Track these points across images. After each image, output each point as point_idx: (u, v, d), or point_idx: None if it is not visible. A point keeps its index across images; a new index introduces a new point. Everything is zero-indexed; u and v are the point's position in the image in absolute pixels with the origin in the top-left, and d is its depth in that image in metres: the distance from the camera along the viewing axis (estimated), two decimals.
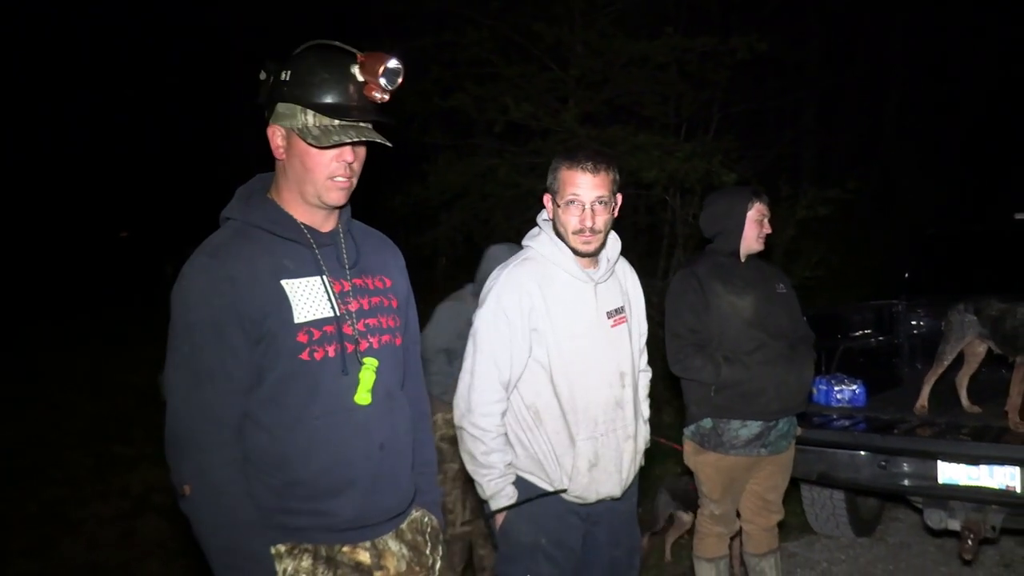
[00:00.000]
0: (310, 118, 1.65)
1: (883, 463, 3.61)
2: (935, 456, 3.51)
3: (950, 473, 3.48)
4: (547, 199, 2.31)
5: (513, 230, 7.46)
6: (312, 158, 1.67)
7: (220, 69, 16.04)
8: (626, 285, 2.45)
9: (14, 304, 12.53)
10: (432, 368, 3.45)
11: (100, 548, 4.88)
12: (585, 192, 2.22)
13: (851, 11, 13.72)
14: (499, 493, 2.19)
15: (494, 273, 2.30)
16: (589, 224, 2.23)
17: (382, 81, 1.65)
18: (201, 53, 16.69)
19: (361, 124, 1.67)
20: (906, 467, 3.59)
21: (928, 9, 14.15)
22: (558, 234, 2.29)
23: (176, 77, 17.21)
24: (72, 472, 6.05)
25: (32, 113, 17.03)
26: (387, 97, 1.69)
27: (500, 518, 2.25)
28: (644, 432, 2.45)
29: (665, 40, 7.06)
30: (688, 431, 3.26)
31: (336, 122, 1.65)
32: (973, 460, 3.42)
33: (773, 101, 10.87)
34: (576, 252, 2.27)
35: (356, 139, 1.65)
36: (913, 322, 5.17)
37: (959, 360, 4.09)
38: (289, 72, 1.67)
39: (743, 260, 3.24)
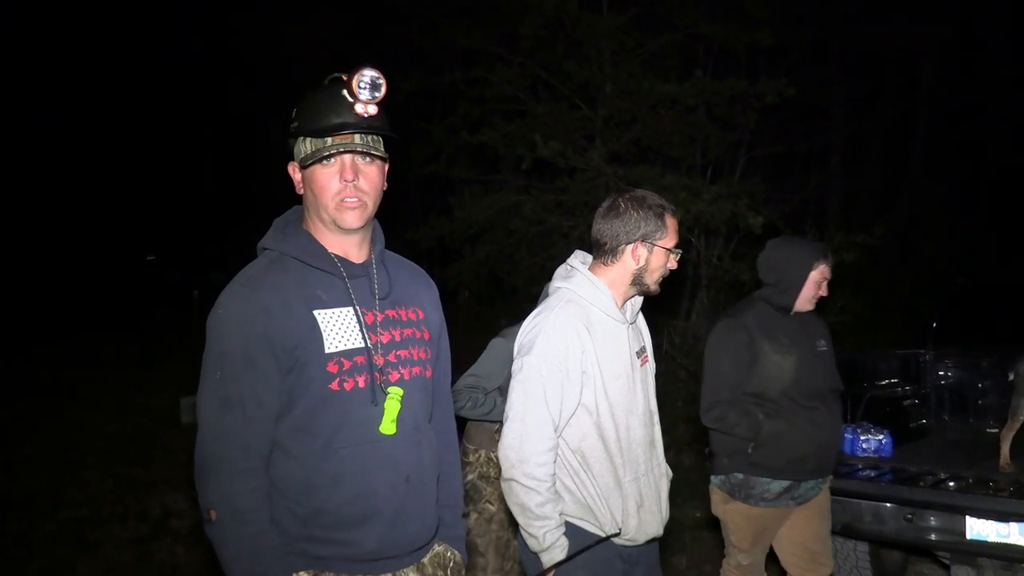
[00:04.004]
0: (308, 145, 1.73)
1: (909, 516, 3.53)
2: (964, 511, 3.42)
3: (979, 529, 3.39)
4: (640, 247, 2.25)
5: (537, 266, 7.50)
6: (317, 181, 1.72)
7: (251, 98, 16.36)
8: (640, 326, 2.45)
9: (40, 324, 12.71)
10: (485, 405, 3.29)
11: (116, 570, 4.88)
12: None
13: (877, 56, 13.76)
14: (555, 544, 2.13)
15: (534, 319, 2.26)
16: (673, 268, 2.32)
17: (362, 93, 1.69)
18: (232, 86, 17.02)
19: (357, 141, 1.71)
20: (933, 521, 3.49)
21: (954, 54, 14.17)
22: (636, 280, 2.28)
23: (207, 102, 17.55)
24: (91, 493, 6.07)
25: (63, 135, 17.39)
26: (374, 109, 1.72)
27: (551, 573, 2.18)
28: (669, 470, 2.45)
29: (694, 83, 7.13)
30: (716, 480, 3.19)
31: (328, 141, 1.70)
32: (1003, 516, 3.33)
33: (799, 144, 10.88)
34: (647, 294, 2.33)
35: (334, 150, 1.69)
36: (941, 372, 5.09)
37: (1002, 412, 4.00)
38: (296, 111, 1.76)
39: (791, 314, 3.13)
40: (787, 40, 9.02)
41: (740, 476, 3.09)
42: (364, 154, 1.73)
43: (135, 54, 17.42)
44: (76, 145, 17.56)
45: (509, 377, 3.34)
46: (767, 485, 3.06)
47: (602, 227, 2.27)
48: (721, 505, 3.19)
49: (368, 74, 1.70)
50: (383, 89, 1.71)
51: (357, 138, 1.71)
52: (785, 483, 3.06)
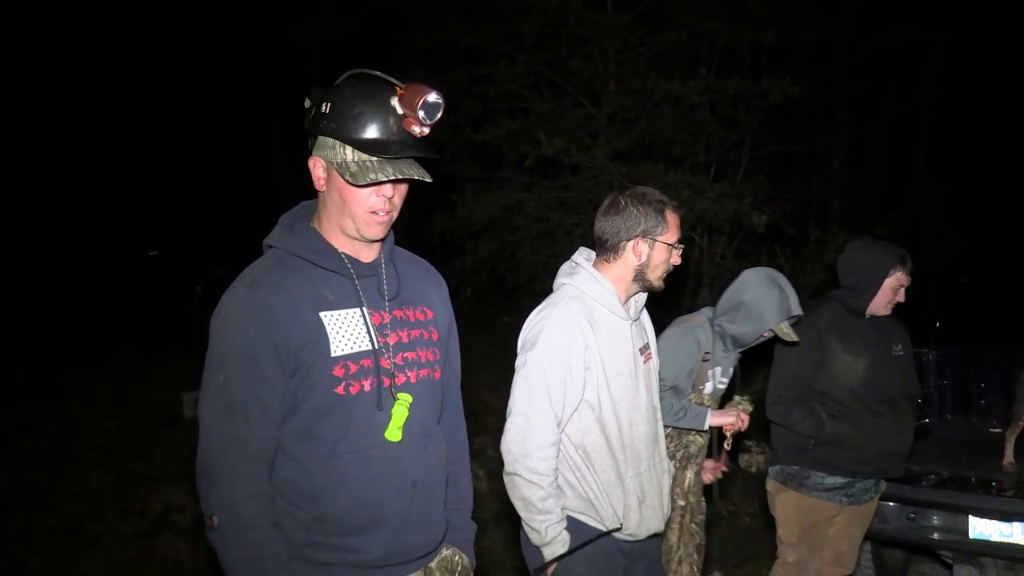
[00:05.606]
0: (348, 153, 1.62)
1: (912, 515, 3.55)
2: (966, 510, 3.44)
3: (982, 528, 3.41)
4: (640, 242, 2.26)
5: (540, 264, 7.50)
6: (350, 193, 1.65)
7: (253, 95, 16.34)
8: (644, 323, 2.46)
9: (41, 320, 12.71)
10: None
11: (118, 566, 4.88)
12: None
13: (880, 56, 13.76)
14: (556, 539, 2.15)
15: (538, 315, 2.27)
16: (676, 264, 2.34)
17: (420, 115, 1.61)
18: (234, 78, 16.99)
19: (400, 158, 1.63)
20: (936, 520, 3.51)
21: (956, 54, 14.17)
22: (639, 276, 2.29)
23: (209, 98, 17.55)
24: (93, 489, 6.06)
25: (64, 131, 17.40)
26: (427, 131, 1.64)
27: (552, 567, 2.20)
28: (671, 467, 2.45)
29: (698, 81, 7.12)
30: (772, 470, 3.20)
31: (374, 158, 1.62)
32: (1006, 516, 3.35)
33: (802, 144, 10.87)
34: (650, 289, 2.34)
35: (392, 176, 1.61)
36: (943, 372, 5.09)
37: (1005, 412, 4.00)
38: (329, 104, 1.64)
39: (867, 318, 3.12)
40: (790, 40, 9.00)
41: (796, 467, 3.10)
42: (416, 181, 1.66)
43: (135, 54, 17.40)
44: (77, 143, 17.55)
45: (687, 375, 2.94)
46: (823, 479, 3.06)
47: (603, 224, 2.30)
48: (774, 495, 3.19)
49: (433, 99, 1.62)
50: (440, 112, 1.64)
51: (407, 160, 1.64)
52: (840, 480, 3.06)
